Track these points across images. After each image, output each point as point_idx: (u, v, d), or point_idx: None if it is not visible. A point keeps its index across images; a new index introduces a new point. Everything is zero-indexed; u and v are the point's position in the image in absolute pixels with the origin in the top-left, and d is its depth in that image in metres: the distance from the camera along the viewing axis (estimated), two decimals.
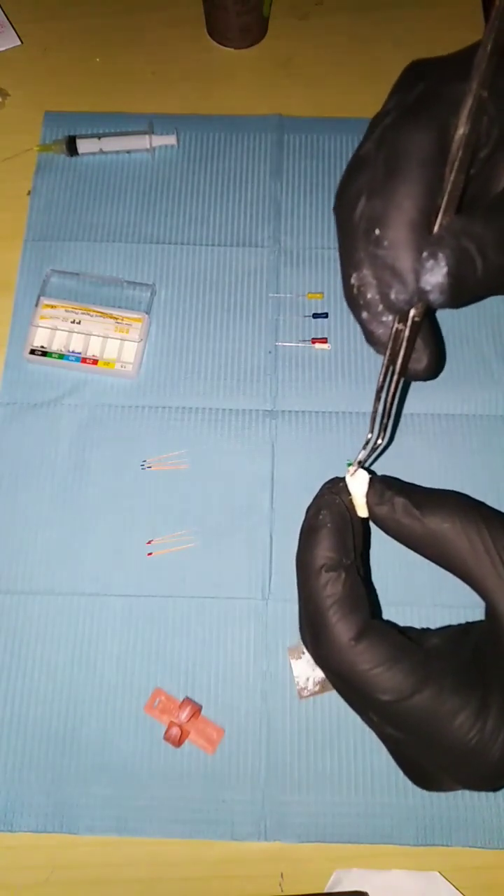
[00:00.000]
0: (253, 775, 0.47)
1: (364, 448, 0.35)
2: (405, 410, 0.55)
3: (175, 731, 0.46)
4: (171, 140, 0.63)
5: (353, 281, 0.31)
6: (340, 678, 0.30)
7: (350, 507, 0.33)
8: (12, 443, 0.54)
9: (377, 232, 0.29)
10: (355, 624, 0.30)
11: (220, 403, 0.55)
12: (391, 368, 0.33)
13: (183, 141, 0.64)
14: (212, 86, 0.67)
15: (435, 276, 0.28)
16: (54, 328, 0.56)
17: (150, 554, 0.52)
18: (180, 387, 0.56)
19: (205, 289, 0.59)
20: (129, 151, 0.63)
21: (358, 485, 0.32)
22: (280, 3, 0.69)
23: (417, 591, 0.50)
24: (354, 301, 0.32)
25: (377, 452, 0.35)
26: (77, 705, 0.48)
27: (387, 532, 0.33)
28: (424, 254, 0.28)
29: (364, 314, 0.32)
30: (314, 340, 0.57)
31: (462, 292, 0.29)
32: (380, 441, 0.35)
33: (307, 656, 0.49)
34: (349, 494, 0.33)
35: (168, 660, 0.49)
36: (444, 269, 0.28)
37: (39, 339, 0.56)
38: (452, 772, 0.30)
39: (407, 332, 0.31)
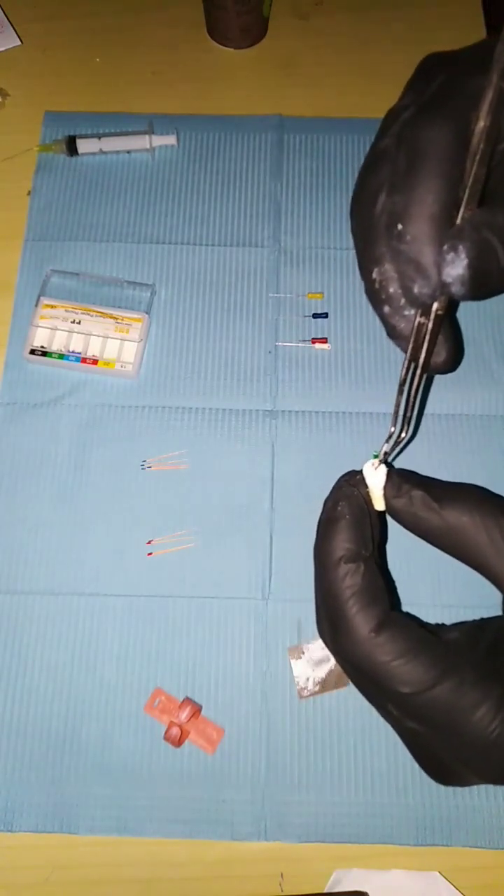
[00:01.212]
0: (253, 775, 0.47)
1: (387, 441, 0.35)
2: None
3: (175, 731, 0.46)
4: (171, 140, 0.63)
5: (374, 276, 0.31)
6: (360, 670, 0.30)
7: (367, 499, 0.33)
8: (12, 443, 0.54)
9: (399, 227, 0.30)
10: (375, 615, 0.29)
11: (220, 403, 0.55)
12: (413, 363, 0.33)
13: (183, 141, 0.64)
14: (212, 86, 0.67)
15: (456, 268, 0.28)
16: (54, 328, 0.56)
17: (150, 554, 0.52)
18: (180, 387, 0.56)
19: (205, 289, 0.59)
20: (129, 151, 0.63)
21: (375, 477, 0.31)
22: (280, 3, 0.69)
23: (417, 591, 0.50)
24: (376, 296, 0.32)
25: (401, 446, 0.35)
26: (77, 705, 0.48)
27: (404, 525, 0.33)
28: (445, 246, 0.28)
29: (386, 308, 0.32)
30: (314, 340, 0.57)
31: (483, 284, 0.29)
32: (403, 435, 0.35)
33: (307, 656, 0.49)
34: (366, 487, 0.32)
35: (168, 660, 0.49)
36: (465, 262, 0.28)
37: (39, 339, 0.56)
38: (472, 765, 0.30)
39: (430, 326, 0.31)
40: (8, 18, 0.70)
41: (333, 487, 0.33)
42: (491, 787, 0.46)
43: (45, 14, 0.70)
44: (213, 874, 0.45)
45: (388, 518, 0.35)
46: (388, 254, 0.30)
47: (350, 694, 0.48)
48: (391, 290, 0.31)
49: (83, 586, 0.51)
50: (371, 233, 0.31)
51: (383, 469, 0.31)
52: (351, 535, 0.31)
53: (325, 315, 0.58)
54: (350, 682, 0.48)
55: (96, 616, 0.50)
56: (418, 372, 0.33)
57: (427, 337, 0.32)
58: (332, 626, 0.30)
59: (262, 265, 0.60)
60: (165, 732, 0.46)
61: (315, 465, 0.54)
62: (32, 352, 0.56)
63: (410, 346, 0.32)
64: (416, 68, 0.33)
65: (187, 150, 0.64)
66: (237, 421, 0.55)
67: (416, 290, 0.30)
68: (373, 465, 0.34)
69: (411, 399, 0.34)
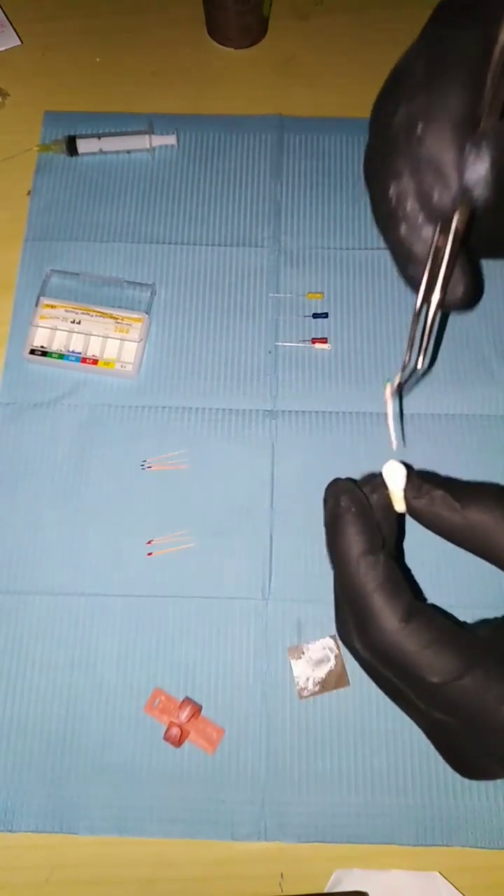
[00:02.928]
0: (253, 775, 0.47)
1: (402, 371, 0.34)
2: (405, 410, 0.55)
3: (175, 731, 0.46)
4: (171, 140, 0.63)
5: (391, 193, 0.30)
6: (389, 662, 0.29)
7: (388, 500, 0.32)
8: (12, 443, 0.54)
9: (419, 129, 0.28)
10: (402, 605, 0.29)
11: (220, 403, 0.55)
12: (429, 292, 0.31)
13: (183, 141, 0.64)
14: (212, 86, 0.67)
15: (478, 169, 0.27)
16: (54, 328, 0.56)
17: (150, 554, 0.52)
18: (180, 387, 0.56)
19: (205, 289, 0.59)
20: (129, 151, 0.63)
21: (396, 479, 0.31)
22: (280, 3, 0.69)
23: (417, 591, 0.50)
24: (392, 216, 0.30)
25: (416, 377, 0.35)
26: (77, 705, 0.48)
27: (426, 525, 0.32)
28: (468, 146, 0.27)
29: (403, 228, 0.30)
30: (314, 340, 0.57)
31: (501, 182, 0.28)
32: (419, 366, 0.33)
33: (307, 656, 0.49)
34: (386, 489, 0.32)
35: (168, 660, 0.49)
36: (488, 162, 0.27)
37: (39, 339, 0.56)
38: (500, 756, 0.30)
39: (450, 243, 0.29)
40: (8, 18, 0.70)
41: (328, 486, 0.33)
42: (490, 787, 0.46)
43: (45, 14, 0.70)
44: (213, 874, 0.45)
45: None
46: (407, 165, 0.29)
47: (350, 694, 0.48)
48: (408, 205, 0.30)
49: (83, 586, 0.51)
50: (389, 145, 0.30)
51: (402, 470, 0.31)
52: (361, 527, 0.30)
53: (325, 315, 0.58)
54: (350, 683, 0.48)
55: (96, 616, 0.50)
56: (433, 304, 0.31)
57: (446, 259, 0.29)
58: (358, 620, 0.30)
59: (262, 265, 0.60)
60: (165, 732, 0.46)
61: (315, 465, 0.54)
62: (32, 352, 0.56)
63: (426, 272, 0.30)
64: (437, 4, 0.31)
65: (187, 150, 0.64)
66: (237, 421, 0.55)
67: (436, 197, 0.28)
68: (386, 390, 0.34)
69: (426, 330, 0.32)
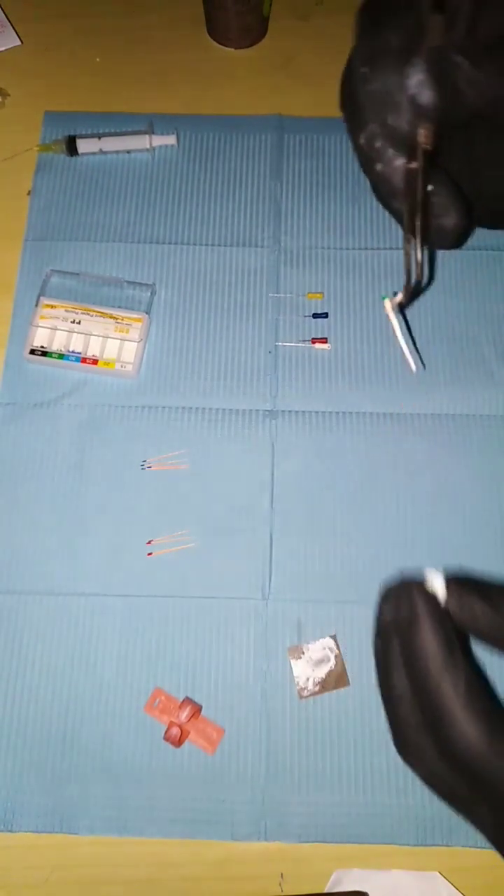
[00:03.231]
0: (253, 775, 0.47)
1: (403, 290, 0.38)
2: (405, 410, 0.55)
3: (175, 730, 0.46)
4: (171, 140, 0.63)
5: (362, 141, 0.34)
6: (467, 771, 0.27)
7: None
8: (12, 443, 0.54)
9: (366, 72, 0.34)
10: (486, 715, 0.27)
11: (220, 403, 0.55)
12: (418, 210, 0.35)
13: (183, 141, 0.64)
14: (212, 86, 0.67)
15: (415, 76, 0.32)
16: (54, 328, 0.56)
17: (150, 554, 0.52)
18: (180, 387, 0.56)
19: (205, 289, 0.59)
20: (129, 151, 0.63)
21: (436, 591, 0.30)
22: (280, 3, 0.69)
23: None
24: (367, 159, 0.35)
25: (416, 294, 0.37)
26: (77, 705, 0.48)
27: (465, 631, 0.30)
28: (408, 70, 0.32)
29: (378, 166, 0.35)
30: (314, 340, 0.57)
31: (444, 86, 0.32)
32: (421, 280, 0.37)
33: (307, 656, 0.49)
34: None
35: (168, 660, 0.49)
36: (423, 68, 0.31)
37: (39, 339, 0.56)
38: None
39: (420, 161, 0.33)
40: (8, 18, 0.70)
41: (394, 586, 0.30)
42: None
43: (45, 14, 0.70)
44: (213, 874, 0.45)
45: None
46: (367, 110, 0.34)
47: (350, 694, 0.48)
48: (377, 144, 0.34)
49: (83, 586, 0.51)
50: (355, 105, 0.35)
51: (441, 581, 0.30)
52: (444, 630, 0.29)
53: (325, 315, 0.58)
54: (350, 683, 0.48)
55: (96, 616, 0.50)
56: (417, 219, 0.35)
57: (421, 175, 0.34)
58: (435, 729, 0.28)
59: (262, 265, 0.60)
60: (165, 732, 0.46)
61: (315, 465, 0.54)
62: (32, 352, 0.56)
63: (409, 199, 0.34)
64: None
65: (187, 150, 0.64)
66: (237, 421, 0.55)
67: (394, 126, 0.33)
68: (386, 305, 0.38)
69: (418, 254, 0.36)
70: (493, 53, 0.33)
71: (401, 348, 0.42)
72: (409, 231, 0.36)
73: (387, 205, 0.37)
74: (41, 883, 0.45)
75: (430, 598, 0.29)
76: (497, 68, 0.33)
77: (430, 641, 0.28)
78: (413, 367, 0.43)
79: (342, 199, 0.61)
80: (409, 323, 0.52)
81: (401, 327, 0.41)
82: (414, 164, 0.34)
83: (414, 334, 0.56)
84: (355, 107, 0.35)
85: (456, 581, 0.30)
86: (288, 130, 0.64)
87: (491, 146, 0.37)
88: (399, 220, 0.35)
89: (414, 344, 0.49)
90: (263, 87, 0.67)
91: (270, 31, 0.69)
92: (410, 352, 0.42)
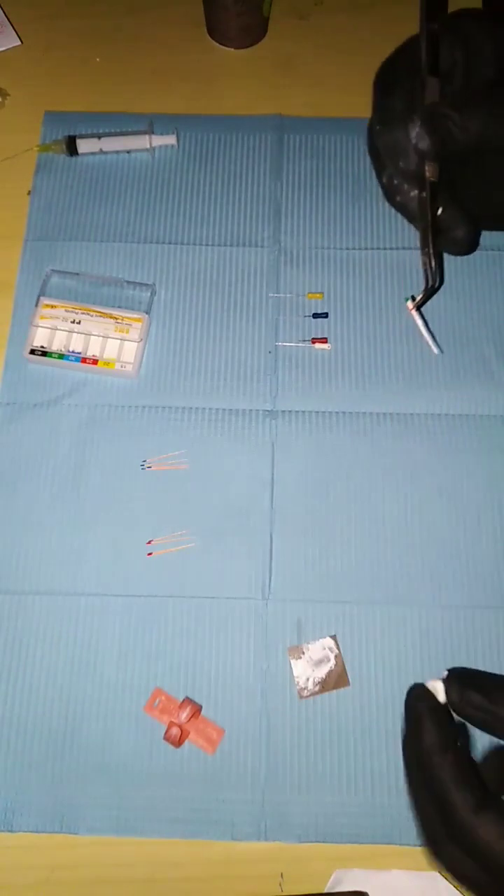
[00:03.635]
0: (253, 775, 0.47)
1: (422, 293, 0.50)
2: (405, 410, 0.55)
3: (175, 731, 0.46)
4: (171, 140, 0.63)
5: (384, 180, 0.48)
6: (475, 854, 0.29)
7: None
8: (12, 443, 0.54)
9: (379, 127, 0.47)
10: (477, 795, 0.29)
11: (220, 403, 0.55)
12: (431, 228, 0.46)
13: (183, 141, 0.64)
14: (212, 86, 0.67)
15: (415, 130, 0.44)
16: (54, 328, 0.56)
17: (150, 554, 0.52)
18: (180, 387, 0.56)
19: (205, 289, 0.59)
20: (129, 151, 0.63)
21: (437, 691, 0.32)
22: (280, 3, 0.69)
23: (417, 591, 0.50)
24: (389, 193, 0.49)
25: (431, 294, 0.50)
26: (77, 705, 0.48)
27: (472, 724, 0.33)
28: (410, 127, 0.45)
29: (398, 198, 0.48)
30: (314, 340, 0.57)
31: (442, 138, 0.43)
32: (435, 285, 0.49)
33: (307, 656, 0.49)
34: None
35: (168, 660, 0.49)
36: (421, 126, 0.44)
37: (39, 339, 0.56)
38: None
39: (428, 190, 0.45)
40: (8, 18, 0.70)
41: (410, 690, 0.33)
42: None
43: (45, 14, 0.70)
44: (213, 874, 0.45)
45: None
46: (384, 156, 0.47)
47: (350, 694, 0.48)
48: (395, 182, 0.47)
49: (83, 586, 0.51)
50: (373, 152, 0.49)
51: (441, 691, 0.32)
52: (440, 727, 0.31)
53: (325, 315, 0.58)
54: (350, 683, 0.48)
55: (96, 616, 0.50)
56: (430, 236, 0.46)
57: (430, 201, 0.45)
58: (441, 814, 0.30)
59: (262, 265, 0.60)
60: (165, 732, 0.46)
61: (315, 465, 0.54)
62: (32, 352, 0.56)
63: (425, 217, 0.46)
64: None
65: (187, 150, 0.64)
66: (237, 421, 0.55)
67: (403, 165, 0.46)
68: (408, 306, 0.53)
69: (432, 256, 0.47)
70: (480, 99, 0.43)
71: (424, 338, 0.54)
72: (425, 245, 0.47)
73: (410, 222, 0.49)
74: (41, 883, 0.45)
75: (433, 697, 0.32)
76: (481, 112, 0.42)
77: (432, 734, 0.31)
78: (435, 350, 0.54)
79: (342, 199, 0.61)
80: (415, 321, 0.55)
81: (423, 323, 0.52)
82: (424, 194, 0.45)
83: (414, 334, 0.57)
84: (375, 154, 0.48)
85: (457, 676, 0.33)
86: (288, 130, 0.64)
87: (496, 171, 0.45)
88: (420, 238, 0.47)
89: (431, 333, 0.54)
90: (263, 87, 0.67)
91: (270, 31, 0.69)
92: (431, 339, 0.54)
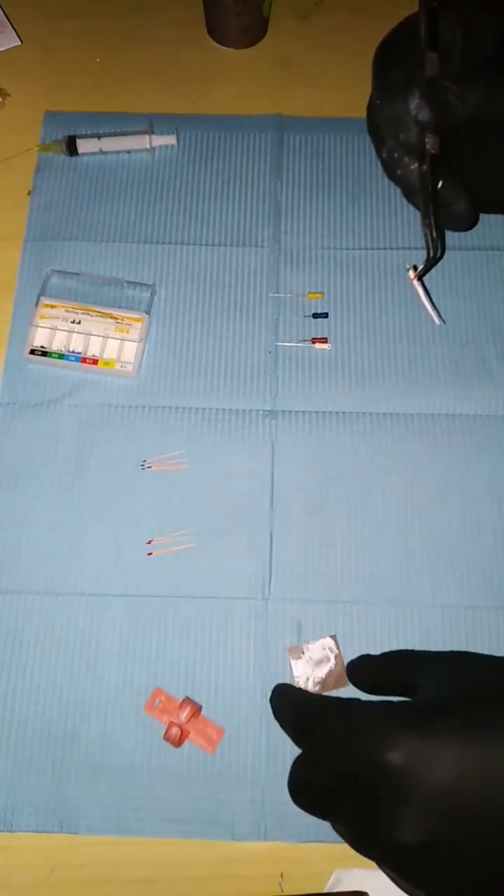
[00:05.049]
0: (253, 775, 0.47)
1: (424, 263, 0.50)
2: (405, 410, 0.55)
3: (175, 730, 0.46)
4: (171, 140, 0.63)
5: (384, 154, 0.49)
6: None
7: None
8: (12, 443, 0.54)
9: (379, 101, 0.48)
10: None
11: (220, 403, 0.55)
12: (431, 200, 0.46)
13: (183, 141, 0.64)
14: (212, 86, 0.67)
15: (415, 102, 0.44)
16: (54, 328, 0.56)
17: (150, 554, 0.52)
18: (180, 387, 0.56)
19: (205, 289, 0.59)
20: (129, 151, 0.63)
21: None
22: (280, 3, 0.69)
23: (417, 591, 0.50)
24: (389, 167, 0.49)
25: (433, 264, 0.51)
26: (77, 705, 0.48)
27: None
28: (409, 98, 0.45)
29: (398, 171, 0.48)
30: (314, 340, 0.57)
31: (442, 110, 0.43)
32: (437, 255, 0.50)
33: (307, 656, 0.49)
34: None
35: (168, 660, 0.49)
36: (420, 97, 0.44)
37: (39, 339, 0.56)
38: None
39: (428, 163, 0.45)
40: (8, 18, 0.70)
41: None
42: None
43: (45, 14, 0.70)
44: (213, 874, 0.45)
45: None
46: (384, 129, 0.48)
47: (349, 694, 0.48)
48: (395, 155, 0.48)
49: (83, 586, 0.51)
50: (373, 127, 0.50)
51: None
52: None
53: (326, 315, 0.58)
54: (349, 683, 0.48)
55: (96, 616, 0.50)
56: (431, 208, 0.46)
57: (430, 174, 0.45)
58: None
59: (262, 265, 0.60)
60: (165, 732, 0.46)
61: (315, 464, 0.54)
62: (32, 352, 0.56)
63: (429, 184, 0.45)
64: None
65: (187, 150, 0.64)
66: (237, 421, 0.55)
67: (403, 137, 0.46)
68: (410, 275, 0.52)
69: (433, 228, 0.47)
70: (479, 74, 0.43)
71: (425, 308, 0.53)
72: (426, 217, 0.47)
73: (410, 200, 0.50)
74: (41, 883, 0.45)
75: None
76: (481, 84, 0.43)
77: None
78: (437, 320, 0.54)
79: (342, 199, 0.61)
80: (415, 320, 0.56)
81: (425, 293, 0.53)
82: (424, 167, 0.45)
83: (415, 334, 0.56)
84: (375, 129, 0.49)
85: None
86: (288, 130, 0.64)
87: (494, 147, 0.46)
88: (417, 207, 0.47)
89: (433, 303, 0.54)
90: (263, 87, 0.67)
91: (270, 31, 0.69)
92: (433, 309, 0.54)
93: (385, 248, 0.60)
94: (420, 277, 0.51)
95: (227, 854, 0.45)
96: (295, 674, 0.48)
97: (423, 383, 0.56)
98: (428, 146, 0.45)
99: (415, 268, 0.51)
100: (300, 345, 0.57)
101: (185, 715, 0.46)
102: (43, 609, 0.50)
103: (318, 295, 0.58)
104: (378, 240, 0.60)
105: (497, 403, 0.55)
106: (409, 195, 0.50)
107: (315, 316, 0.58)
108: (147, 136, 0.62)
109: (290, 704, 0.34)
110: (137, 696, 0.48)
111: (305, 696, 0.36)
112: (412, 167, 0.47)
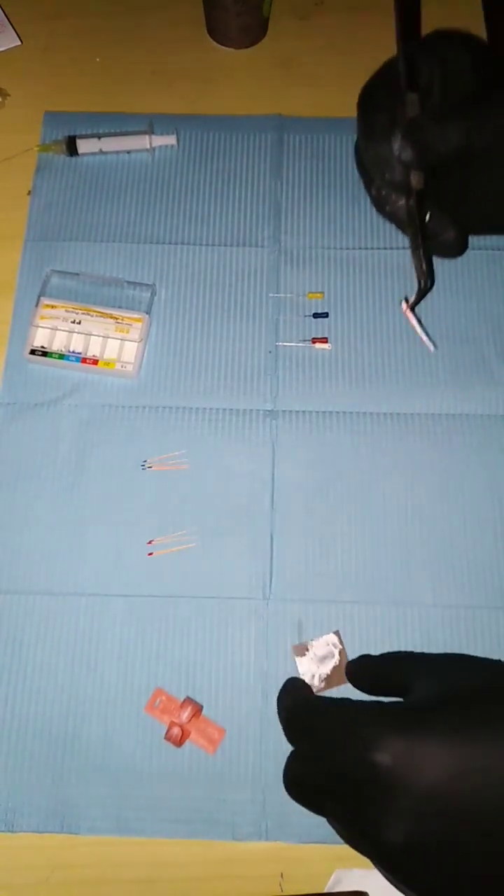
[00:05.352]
0: (253, 775, 0.47)
1: (415, 294, 0.50)
2: (405, 410, 0.55)
3: (176, 730, 0.46)
4: (171, 140, 0.63)
5: (373, 192, 0.51)
6: None
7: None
8: (12, 443, 0.54)
9: (364, 143, 0.49)
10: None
11: (220, 403, 0.55)
12: (420, 233, 0.48)
13: (183, 141, 0.64)
14: (212, 86, 0.67)
15: (397, 143, 0.46)
16: (54, 328, 0.56)
17: (150, 554, 0.52)
18: (180, 387, 0.56)
19: (205, 289, 0.59)
20: (129, 151, 0.63)
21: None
22: (280, 3, 0.69)
23: (417, 591, 0.50)
24: (378, 203, 0.51)
25: (423, 295, 0.51)
26: (78, 705, 0.48)
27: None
28: (393, 140, 0.46)
29: (387, 207, 0.50)
30: (314, 340, 0.57)
31: (423, 150, 0.45)
32: (428, 287, 0.52)
33: (311, 652, 0.49)
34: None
35: (169, 660, 0.49)
36: (402, 139, 0.46)
37: (40, 339, 0.56)
38: None
39: (414, 198, 0.47)
40: (8, 18, 0.70)
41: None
42: None
43: (45, 14, 0.70)
44: (213, 874, 0.45)
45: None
46: (372, 169, 0.49)
47: (349, 691, 0.48)
48: (383, 192, 0.49)
49: (83, 586, 0.51)
50: (361, 166, 0.51)
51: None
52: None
53: (326, 315, 0.58)
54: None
55: (96, 616, 0.50)
56: (419, 240, 0.48)
57: (418, 208, 0.47)
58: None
59: (262, 265, 0.60)
60: (166, 732, 0.46)
61: (315, 464, 0.54)
62: (33, 352, 0.56)
63: (414, 222, 0.48)
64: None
65: (187, 150, 0.64)
66: (237, 421, 0.55)
67: (389, 176, 0.48)
68: (402, 307, 0.52)
69: (422, 259, 0.48)
70: (456, 112, 0.45)
71: (419, 337, 0.54)
72: (416, 249, 0.48)
73: (400, 230, 0.52)
74: (41, 883, 0.45)
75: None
76: (460, 120, 0.44)
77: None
78: (431, 347, 0.55)
79: (342, 199, 0.61)
80: (409, 321, 0.55)
81: (417, 321, 0.53)
82: (411, 202, 0.47)
83: (415, 334, 0.57)
84: (363, 168, 0.51)
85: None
86: (288, 130, 0.64)
87: (479, 178, 0.47)
88: (410, 243, 0.49)
89: (425, 331, 0.55)
90: (263, 87, 0.67)
91: (270, 31, 0.69)
92: (427, 338, 0.54)
93: (385, 248, 0.60)
94: (412, 308, 0.52)
95: (227, 854, 0.45)
96: (300, 671, 0.48)
97: (423, 383, 0.56)
98: (413, 183, 0.47)
99: (407, 299, 0.52)
100: (300, 345, 0.57)
101: (186, 715, 0.46)
102: (43, 609, 0.50)
103: (318, 295, 0.58)
104: (378, 240, 0.60)
105: (497, 403, 0.55)
106: (400, 228, 0.51)
107: (315, 316, 0.58)
108: (147, 136, 0.62)
109: (283, 704, 0.36)
110: (138, 697, 0.48)
111: (300, 697, 0.36)
112: (400, 203, 0.49)
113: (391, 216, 0.51)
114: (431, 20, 0.69)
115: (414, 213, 0.48)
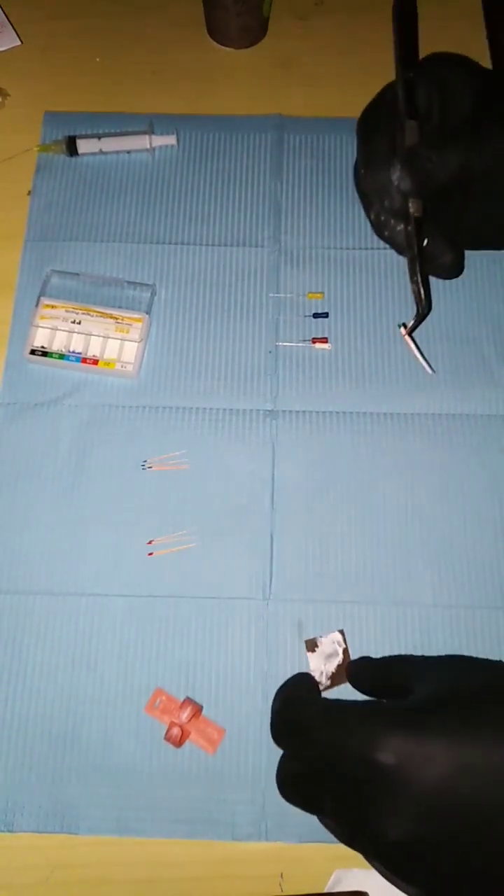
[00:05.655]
0: (254, 775, 0.47)
1: (413, 319, 0.52)
2: (405, 410, 0.55)
3: (176, 731, 0.46)
4: (171, 140, 0.63)
5: (372, 217, 0.52)
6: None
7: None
8: (12, 443, 0.54)
9: (364, 171, 0.50)
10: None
11: (220, 403, 0.55)
12: (418, 259, 0.49)
13: (183, 141, 0.64)
14: (212, 86, 0.67)
15: (396, 172, 0.47)
16: (54, 328, 0.56)
17: (150, 554, 0.52)
18: (180, 387, 0.56)
19: (205, 289, 0.59)
20: (129, 151, 0.63)
21: None
22: (280, 3, 0.69)
23: (418, 591, 0.50)
24: (378, 229, 0.52)
25: (422, 320, 0.52)
26: (77, 705, 0.48)
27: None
28: (392, 169, 0.48)
29: (386, 232, 0.51)
30: (314, 340, 0.57)
31: (421, 178, 0.46)
32: (425, 311, 0.52)
33: (320, 650, 0.49)
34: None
35: (169, 660, 0.49)
36: (401, 168, 0.47)
37: (40, 339, 0.56)
38: None
39: (413, 225, 0.48)
40: (8, 18, 0.70)
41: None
42: None
43: (45, 14, 0.70)
44: (213, 874, 0.45)
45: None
46: (371, 195, 0.51)
47: (348, 692, 0.48)
48: (382, 218, 0.51)
49: (83, 586, 0.51)
50: (361, 193, 0.52)
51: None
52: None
53: (326, 315, 0.58)
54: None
55: (96, 616, 0.50)
56: (417, 266, 0.49)
57: (416, 235, 0.48)
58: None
59: (262, 265, 0.60)
60: (166, 732, 0.46)
61: (315, 464, 0.54)
62: (33, 352, 0.56)
63: (412, 247, 0.49)
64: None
65: (187, 150, 0.64)
66: (237, 421, 0.55)
67: (388, 204, 0.49)
68: (401, 332, 0.54)
69: (420, 285, 0.50)
70: (455, 137, 0.46)
71: (417, 360, 0.55)
72: (414, 275, 0.49)
73: (399, 253, 0.53)
74: (41, 883, 0.45)
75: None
76: (459, 146, 0.45)
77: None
78: (429, 371, 0.55)
79: (342, 199, 0.61)
80: (408, 345, 0.56)
81: (415, 346, 0.54)
82: (409, 228, 0.49)
83: (414, 333, 0.57)
84: (363, 194, 0.52)
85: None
86: (288, 130, 0.64)
87: (478, 201, 0.48)
88: (408, 268, 0.50)
89: (423, 355, 0.55)
90: (263, 87, 0.67)
91: (270, 31, 0.69)
92: (425, 362, 0.55)
93: (385, 248, 0.60)
94: (410, 333, 0.53)
95: (227, 854, 0.45)
96: (311, 667, 0.48)
97: (423, 383, 0.56)
98: (412, 211, 0.48)
99: (404, 325, 0.53)
100: (300, 345, 0.57)
101: (185, 715, 0.46)
102: (43, 609, 0.50)
103: (318, 295, 0.58)
104: (378, 240, 0.60)
105: (497, 403, 0.55)
106: (399, 252, 0.52)
107: (315, 316, 0.58)
108: (147, 137, 0.62)
109: (273, 706, 0.37)
110: (138, 697, 0.48)
111: (293, 695, 0.37)
112: (399, 228, 0.50)
113: (390, 241, 0.52)
114: (431, 20, 0.69)
115: (412, 239, 0.49)
